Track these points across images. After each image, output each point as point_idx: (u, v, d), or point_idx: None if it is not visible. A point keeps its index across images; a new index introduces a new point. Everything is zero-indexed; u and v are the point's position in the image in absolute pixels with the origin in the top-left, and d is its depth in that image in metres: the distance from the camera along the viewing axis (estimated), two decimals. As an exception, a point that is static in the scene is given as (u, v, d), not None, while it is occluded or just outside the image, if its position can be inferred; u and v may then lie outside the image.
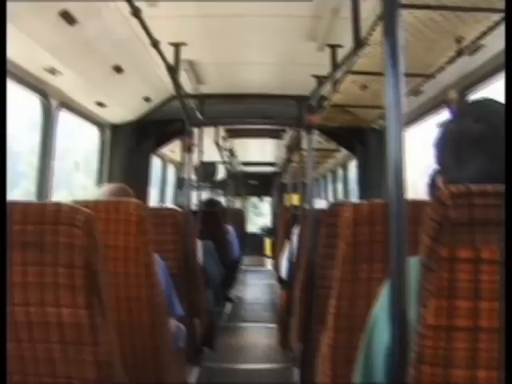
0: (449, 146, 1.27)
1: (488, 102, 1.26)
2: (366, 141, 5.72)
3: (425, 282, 1.04)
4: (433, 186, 2.51)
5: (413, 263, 1.10)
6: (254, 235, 15.15)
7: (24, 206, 1.58)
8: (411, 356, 1.06)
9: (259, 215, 18.42)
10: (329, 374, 2.08)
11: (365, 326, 1.38)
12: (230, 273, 7.83)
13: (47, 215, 1.56)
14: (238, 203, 14.51)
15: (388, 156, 1.12)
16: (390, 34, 1.13)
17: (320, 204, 3.64)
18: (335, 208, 2.72)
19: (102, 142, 5.36)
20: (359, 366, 1.37)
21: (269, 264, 13.91)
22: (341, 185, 8.50)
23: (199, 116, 5.17)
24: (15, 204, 1.59)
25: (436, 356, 1.02)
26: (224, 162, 8.05)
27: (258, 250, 14.69)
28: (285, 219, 6.26)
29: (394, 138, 1.11)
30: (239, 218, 10.82)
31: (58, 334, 1.63)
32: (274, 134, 7.49)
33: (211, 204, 7.09)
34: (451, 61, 3.16)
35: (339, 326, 2.04)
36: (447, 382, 1.02)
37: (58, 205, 1.58)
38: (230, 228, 7.88)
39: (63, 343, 1.64)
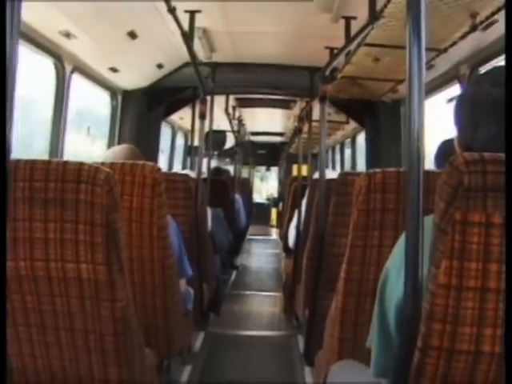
0: (466, 108, 1.30)
1: (507, 69, 1.29)
2: (376, 114, 5.72)
3: (438, 244, 1.08)
4: (440, 157, 2.55)
5: (426, 221, 1.15)
6: (260, 205, 15.21)
7: (46, 165, 1.62)
8: (423, 313, 1.11)
9: (265, 184, 18.44)
10: (337, 336, 2.13)
11: (375, 291, 1.43)
12: (237, 241, 7.89)
13: (69, 173, 1.60)
14: (245, 172, 14.56)
15: (408, 126, 1.15)
16: (414, 4, 1.16)
17: (329, 174, 3.66)
18: (346, 177, 2.76)
19: (113, 108, 5.39)
20: (375, 324, 1.42)
21: (274, 233, 13.97)
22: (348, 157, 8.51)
23: (211, 84, 5.18)
24: (37, 162, 1.63)
25: (445, 314, 1.07)
26: (233, 131, 8.04)
27: (264, 220, 14.74)
28: (292, 189, 6.28)
29: (415, 108, 1.15)
30: (246, 187, 10.87)
31: (76, 288, 1.68)
32: (285, 105, 7.47)
33: (218, 172, 7.12)
34: (464, 36, 3.16)
35: (349, 290, 2.09)
36: (455, 338, 1.08)
37: (79, 163, 1.62)
38: (238, 197, 7.92)
39: (81, 298, 1.70)
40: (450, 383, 1.12)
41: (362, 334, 1.92)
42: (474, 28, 3.01)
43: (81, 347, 1.77)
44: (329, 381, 2.00)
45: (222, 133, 9.15)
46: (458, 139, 1.33)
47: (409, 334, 1.14)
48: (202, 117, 4.17)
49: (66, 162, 1.63)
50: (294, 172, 5.50)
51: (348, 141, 8.40)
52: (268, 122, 10.18)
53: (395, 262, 1.34)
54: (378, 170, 2.00)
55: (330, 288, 2.65)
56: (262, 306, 5.97)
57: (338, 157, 9.73)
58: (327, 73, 3.60)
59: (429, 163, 2.44)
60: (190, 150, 7.57)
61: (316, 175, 3.90)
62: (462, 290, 1.06)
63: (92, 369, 1.80)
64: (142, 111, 5.49)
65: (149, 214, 2.41)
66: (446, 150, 2.50)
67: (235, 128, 8.49)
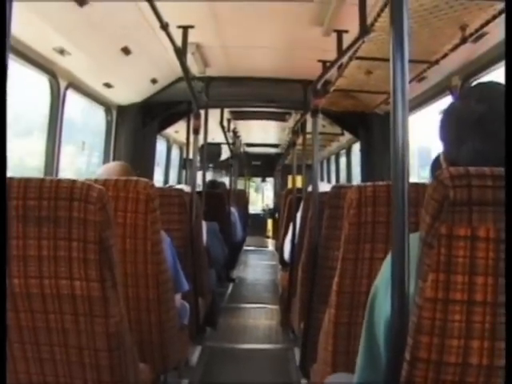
0: (451, 123, 1.32)
1: (492, 85, 1.30)
2: (369, 125, 5.76)
3: (424, 258, 1.10)
4: (435, 169, 2.57)
5: (412, 239, 1.16)
6: (256, 216, 15.20)
7: (39, 183, 1.63)
8: (410, 327, 1.12)
9: (260, 195, 18.44)
10: (330, 349, 2.14)
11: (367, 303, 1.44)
12: (233, 254, 7.88)
13: (62, 191, 1.61)
14: (240, 184, 14.57)
15: (393, 139, 1.17)
16: (397, 20, 1.18)
17: (323, 187, 3.68)
18: (339, 190, 2.77)
19: (108, 123, 5.41)
20: (362, 338, 1.43)
21: (270, 244, 13.97)
22: (344, 167, 8.52)
23: (205, 98, 5.20)
24: (30, 180, 1.65)
25: (433, 326, 1.09)
26: (228, 144, 8.07)
27: (260, 231, 14.72)
28: (287, 202, 6.29)
29: (399, 121, 1.16)
30: (242, 199, 10.88)
31: (70, 305, 1.69)
32: (279, 117, 7.50)
33: (214, 185, 7.13)
34: (455, 48, 3.20)
35: (341, 303, 2.10)
36: (443, 350, 1.09)
37: (72, 181, 1.63)
38: (234, 210, 7.92)
39: (75, 314, 1.71)
40: None
41: (355, 346, 1.93)
42: (464, 40, 3.05)
43: (75, 363, 1.78)
44: None
45: (217, 145, 9.17)
46: (443, 154, 1.35)
47: (397, 346, 1.15)
48: (196, 131, 4.19)
49: (59, 180, 1.64)
50: (290, 183, 5.51)
51: (344, 151, 8.42)
52: (263, 133, 10.21)
53: (384, 279, 1.35)
54: (368, 183, 2.01)
55: (324, 301, 2.66)
56: (259, 319, 5.96)
57: (333, 167, 9.75)
58: (319, 86, 3.63)
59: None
60: (184, 164, 7.58)
61: (310, 188, 3.91)
62: (448, 303, 1.08)
63: None
64: (136, 126, 5.51)
65: (143, 230, 2.43)
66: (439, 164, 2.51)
67: (230, 140, 8.51)
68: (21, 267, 1.67)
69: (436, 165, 2.61)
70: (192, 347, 4.35)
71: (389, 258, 1.35)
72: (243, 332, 5.39)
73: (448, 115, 1.35)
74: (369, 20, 2.95)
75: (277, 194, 14.63)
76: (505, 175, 1.05)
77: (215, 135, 8.00)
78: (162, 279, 2.53)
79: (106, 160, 5.30)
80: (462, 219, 1.06)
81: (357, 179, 7.09)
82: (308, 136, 5.64)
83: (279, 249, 6.94)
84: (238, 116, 7.69)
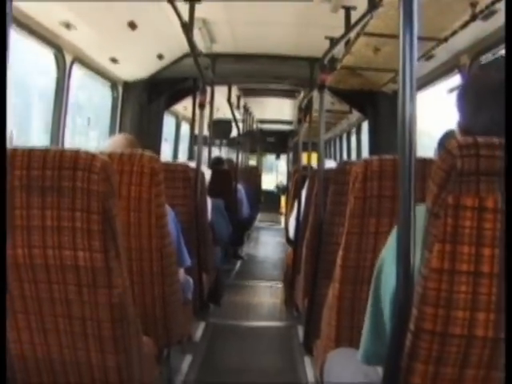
0: (470, 92, 1.31)
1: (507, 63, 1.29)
2: (377, 104, 5.73)
3: (430, 228, 1.09)
4: (442, 146, 2.56)
5: (418, 210, 1.15)
6: (270, 192, 15.24)
7: (43, 152, 1.63)
8: (415, 298, 1.12)
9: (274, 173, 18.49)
10: (334, 324, 2.14)
11: (372, 278, 1.44)
12: (240, 232, 7.88)
13: (66, 161, 1.61)
14: (253, 160, 14.62)
15: (401, 114, 1.16)
16: None
17: (331, 165, 3.66)
18: (344, 166, 2.77)
19: (114, 99, 5.40)
20: (368, 311, 1.43)
21: (283, 221, 14.06)
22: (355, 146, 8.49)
23: (211, 75, 5.17)
24: (34, 150, 1.64)
25: (438, 297, 1.08)
26: (235, 120, 8.05)
27: (274, 208, 14.75)
28: (295, 179, 6.28)
29: (407, 95, 1.15)
30: (255, 176, 10.88)
31: (73, 276, 1.69)
32: (288, 94, 7.50)
33: (219, 162, 7.11)
34: (464, 25, 3.16)
35: (346, 278, 2.10)
36: (448, 322, 1.09)
37: (76, 151, 1.63)
38: (240, 187, 7.91)
39: (78, 285, 1.70)
40: (443, 367, 1.13)
41: (359, 321, 1.93)
42: (474, 17, 3.01)
43: (78, 334, 1.78)
44: (326, 368, 2.01)
45: (228, 122, 9.13)
46: (459, 125, 1.34)
47: (401, 317, 1.15)
48: (202, 106, 4.17)
49: (63, 150, 1.63)
50: (304, 160, 5.49)
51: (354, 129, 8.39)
52: (276, 110, 10.22)
53: (390, 251, 1.35)
54: (374, 157, 2.00)
55: (328, 277, 2.66)
56: (264, 297, 5.97)
57: (344, 146, 9.71)
58: (326, 61, 3.60)
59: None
60: (194, 140, 7.58)
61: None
62: (454, 274, 1.07)
63: (90, 356, 1.81)
64: (142, 102, 5.50)
65: (147, 203, 2.42)
66: (447, 140, 2.51)
67: (240, 117, 8.48)
68: (24, 237, 1.66)
69: (444, 142, 2.60)
70: (196, 323, 4.37)
71: (395, 231, 1.35)
72: (246, 309, 5.40)
73: (467, 85, 1.34)
74: None
75: (289, 172, 14.64)
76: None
77: (226, 111, 7.98)
78: (166, 253, 2.53)
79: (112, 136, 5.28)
80: (470, 189, 1.05)
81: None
82: (315, 114, 5.63)
83: (286, 226, 6.94)
84: (248, 93, 7.69)
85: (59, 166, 1.61)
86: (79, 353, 1.82)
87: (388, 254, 1.36)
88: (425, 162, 1.25)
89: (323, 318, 2.35)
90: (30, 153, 1.63)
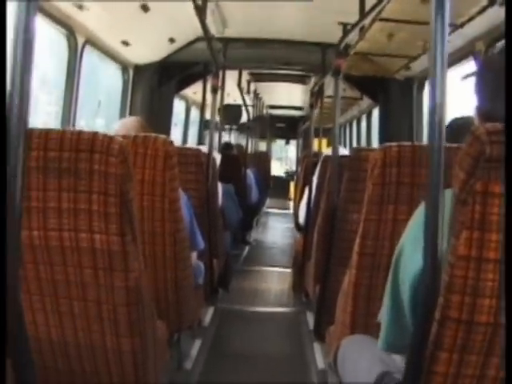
0: (488, 75, 1.29)
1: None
2: (389, 91, 5.70)
3: (458, 215, 1.07)
4: (448, 134, 2.54)
5: (446, 194, 1.13)
6: (279, 178, 15.27)
7: (60, 134, 1.61)
8: (441, 285, 1.11)
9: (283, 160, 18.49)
10: (350, 310, 2.13)
11: (389, 266, 1.43)
12: (249, 217, 7.88)
13: (83, 143, 1.59)
14: (263, 146, 14.63)
15: (431, 102, 1.14)
16: None
17: (341, 151, 3.64)
18: (359, 153, 2.75)
19: (125, 82, 5.38)
20: (387, 297, 1.42)
21: (292, 207, 14.09)
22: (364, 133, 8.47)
23: (222, 59, 5.15)
24: (51, 132, 1.63)
25: (465, 285, 1.07)
26: (245, 105, 8.01)
27: (283, 194, 14.77)
28: (305, 165, 6.27)
29: (438, 84, 1.13)
30: (264, 161, 10.87)
31: (89, 258, 1.68)
32: (299, 80, 7.47)
33: (228, 147, 7.10)
34: (482, 11, 3.12)
35: (363, 265, 2.09)
36: (474, 310, 1.07)
37: (93, 133, 1.61)
38: (250, 172, 7.90)
39: (94, 268, 1.70)
40: (468, 355, 1.12)
41: (375, 308, 1.92)
42: (492, 3, 2.97)
43: (94, 317, 1.78)
44: (340, 355, 2.00)
45: (238, 107, 9.10)
46: (477, 109, 1.32)
47: (427, 305, 1.13)
48: (215, 91, 4.15)
49: (80, 132, 1.62)
50: (315, 146, 5.48)
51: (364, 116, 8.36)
52: (287, 95, 10.18)
53: (410, 237, 1.34)
54: (393, 143, 1.98)
55: (342, 263, 2.65)
56: (271, 283, 5.98)
57: (354, 132, 9.68)
58: (341, 47, 3.57)
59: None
60: (205, 125, 7.57)
61: (326, 152, 3.88)
62: (481, 262, 1.06)
63: (105, 339, 1.81)
64: (153, 86, 5.48)
65: (161, 187, 2.41)
66: (454, 128, 2.49)
67: (249, 102, 8.45)
68: (40, 219, 1.66)
69: (450, 129, 2.57)
70: (205, 308, 4.38)
71: (415, 216, 1.33)
72: (255, 295, 5.41)
73: (486, 68, 1.32)
74: None
75: (298, 158, 14.67)
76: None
77: (236, 97, 7.96)
78: (179, 237, 2.53)
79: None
80: (498, 176, 1.03)
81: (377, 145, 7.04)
82: (327, 100, 5.60)
83: (295, 212, 6.94)
84: (258, 78, 7.66)
85: (76, 147, 1.60)
86: (94, 336, 1.81)
87: (407, 240, 1.35)
88: (449, 149, 1.23)
89: (338, 305, 2.35)
90: (46, 134, 1.62)
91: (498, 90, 1.23)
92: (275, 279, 6.14)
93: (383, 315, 1.45)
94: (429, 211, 1.13)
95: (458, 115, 2.57)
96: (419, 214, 1.27)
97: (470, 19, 3.28)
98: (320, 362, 3.52)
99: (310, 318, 4.38)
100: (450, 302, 1.09)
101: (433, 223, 1.11)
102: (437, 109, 1.13)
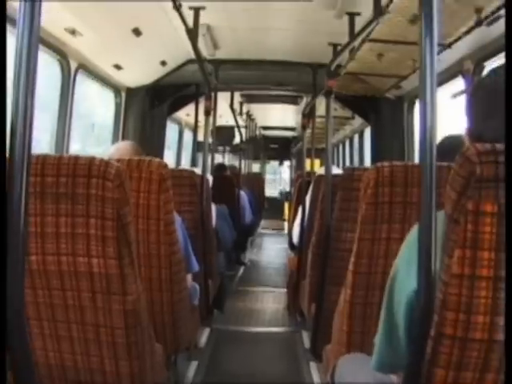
0: (479, 97, 1.30)
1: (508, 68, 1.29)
2: (380, 110, 5.74)
3: (450, 234, 1.10)
4: (440, 152, 2.58)
5: (438, 216, 1.15)
6: (273, 199, 15.28)
7: (57, 159, 1.63)
8: (436, 304, 1.12)
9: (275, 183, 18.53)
10: (345, 329, 2.14)
11: (384, 284, 1.44)
12: (243, 238, 7.89)
13: (80, 168, 1.61)
14: (257, 167, 14.66)
15: (422, 118, 1.16)
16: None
17: (334, 171, 3.67)
18: (352, 172, 2.78)
19: (117, 105, 5.41)
20: (382, 318, 1.43)
21: (287, 228, 14.09)
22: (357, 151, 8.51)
23: (214, 81, 5.19)
24: (48, 157, 1.64)
25: (459, 303, 1.09)
26: (238, 127, 8.05)
27: (277, 214, 14.78)
28: (298, 185, 6.29)
29: (428, 104, 1.16)
30: (258, 182, 10.90)
31: (87, 282, 1.70)
32: (291, 100, 7.51)
33: (221, 168, 7.12)
34: (469, 31, 3.17)
35: (357, 283, 2.10)
36: (468, 327, 1.09)
37: (90, 158, 1.63)
38: (243, 193, 7.93)
39: (92, 292, 1.71)
40: (464, 372, 1.14)
41: (371, 326, 1.94)
42: (479, 23, 3.01)
43: (92, 341, 1.79)
44: (337, 374, 2.01)
45: (231, 128, 9.14)
46: (468, 130, 1.34)
47: (422, 323, 1.15)
48: (208, 113, 4.18)
49: (77, 157, 1.64)
50: (307, 167, 5.52)
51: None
52: (280, 116, 10.24)
53: (404, 257, 1.35)
54: (385, 163, 2.01)
55: (337, 282, 2.67)
56: (267, 303, 5.98)
57: (347, 152, 9.72)
58: (332, 68, 3.61)
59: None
60: (197, 146, 7.61)
61: (319, 171, 3.90)
62: (474, 279, 1.08)
63: (103, 362, 1.82)
64: (145, 108, 5.52)
65: (155, 210, 2.43)
66: (446, 146, 2.52)
67: (242, 123, 8.49)
68: (38, 244, 1.67)
69: (441, 148, 2.61)
70: (201, 329, 4.37)
71: (408, 238, 1.35)
72: (250, 315, 5.40)
73: (477, 89, 1.34)
74: (383, 1, 2.93)
75: (292, 178, 14.71)
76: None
77: (228, 118, 8.00)
78: (175, 260, 2.54)
79: (114, 142, 5.29)
80: (489, 195, 1.06)
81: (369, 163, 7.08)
82: (319, 120, 5.63)
83: (289, 232, 6.95)
84: (250, 99, 7.71)
85: (73, 173, 1.62)
86: (92, 359, 1.82)
87: (402, 261, 1.36)
88: (440, 168, 1.25)
89: (334, 324, 2.36)
90: (44, 159, 1.63)
91: (488, 112, 1.25)
92: (270, 299, 6.14)
93: (378, 335, 1.46)
94: (422, 230, 1.15)
95: (448, 133, 2.61)
96: (413, 235, 1.29)
97: (458, 39, 3.33)
98: (317, 381, 3.52)
99: (306, 338, 4.38)
100: (444, 320, 1.11)
101: (426, 242, 1.14)
102: (427, 129, 1.15)
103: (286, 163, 16.85)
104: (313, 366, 3.78)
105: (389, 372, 1.57)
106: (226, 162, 11.14)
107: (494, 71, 1.33)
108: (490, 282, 1.07)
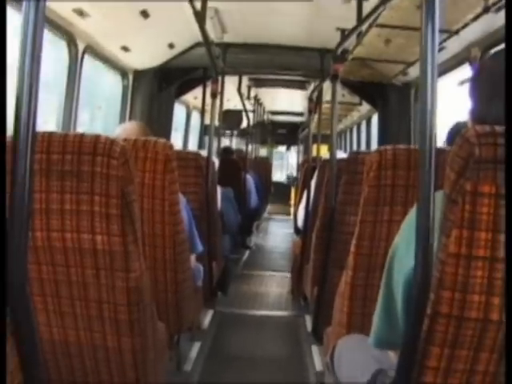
0: (483, 81, 1.31)
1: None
2: (387, 96, 5.73)
3: (448, 214, 1.11)
4: (451, 137, 2.58)
5: (437, 196, 1.17)
6: (280, 184, 15.30)
7: (63, 137, 1.65)
8: (432, 282, 1.14)
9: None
10: (346, 310, 2.16)
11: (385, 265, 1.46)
12: (248, 221, 7.91)
13: (85, 146, 1.63)
14: (264, 152, 14.67)
15: (421, 106, 1.18)
16: None
17: (340, 156, 3.68)
18: (356, 156, 2.79)
19: (124, 87, 5.41)
20: (380, 297, 1.45)
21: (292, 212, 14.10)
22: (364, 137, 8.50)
23: (221, 64, 5.18)
24: (54, 134, 1.66)
25: (455, 282, 1.11)
26: (245, 111, 8.05)
27: (284, 199, 14.80)
28: (304, 170, 6.30)
29: (428, 88, 1.17)
30: (265, 167, 10.93)
31: (91, 259, 1.72)
32: (299, 85, 7.50)
33: (227, 152, 7.13)
34: (477, 17, 3.16)
35: (359, 265, 2.12)
36: (464, 305, 1.11)
37: (95, 136, 1.65)
38: (249, 177, 7.93)
39: (96, 268, 1.73)
40: (459, 350, 1.15)
41: (371, 308, 1.95)
42: (486, 10, 3.01)
43: (95, 317, 1.81)
44: (336, 354, 2.03)
45: (238, 112, 9.14)
46: (471, 114, 1.35)
47: (419, 301, 1.17)
48: (214, 96, 4.18)
49: (82, 135, 1.66)
50: (313, 152, 5.51)
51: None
52: (288, 101, 10.23)
53: (404, 236, 1.37)
54: (388, 147, 2.02)
55: (339, 266, 2.69)
56: (271, 287, 6.00)
57: (354, 138, 9.71)
58: (339, 52, 3.60)
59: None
60: (205, 130, 7.61)
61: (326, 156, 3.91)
62: (471, 259, 1.09)
63: (106, 339, 1.84)
64: (152, 91, 5.51)
65: (160, 190, 2.45)
66: (457, 131, 2.53)
67: (250, 108, 8.48)
68: (43, 220, 1.69)
69: (453, 132, 2.62)
70: (204, 310, 4.40)
71: (408, 217, 1.37)
72: (254, 298, 5.43)
73: (481, 72, 1.35)
74: None
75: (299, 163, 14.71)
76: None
77: (237, 102, 8.00)
78: (179, 240, 2.56)
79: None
80: (487, 177, 1.07)
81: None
82: (326, 106, 5.63)
83: (294, 217, 6.96)
84: (258, 83, 7.71)
85: (79, 150, 1.63)
86: (95, 336, 1.85)
87: (401, 241, 1.38)
88: (438, 151, 1.26)
89: (335, 305, 2.38)
90: (49, 137, 1.65)
91: (491, 94, 1.25)
92: (274, 283, 6.15)
93: (377, 313, 1.48)
94: (420, 210, 1.17)
95: (455, 120, 2.62)
96: (412, 215, 1.30)
97: (465, 26, 3.32)
98: (318, 364, 3.55)
99: (309, 322, 4.40)
100: (440, 298, 1.12)
101: (424, 222, 1.15)
102: (427, 113, 1.16)
103: (294, 148, 16.83)
104: (314, 349, 3.81)
105: (386, 348, 1.59)
106: (234, 146, 11.13)
107: (497, 53, 1.34)
108: (486, 262, 1.09)
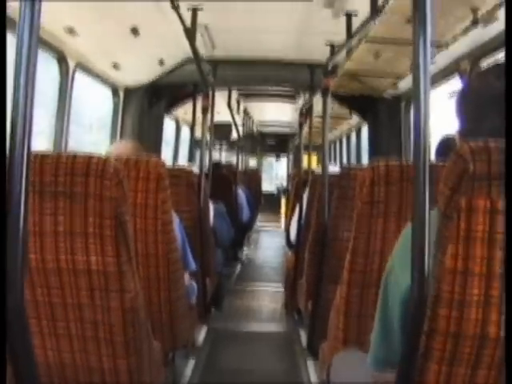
0: (470, 100, 1.32)
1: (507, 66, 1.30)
2: (377, 109, 5.74)
3: (443, 230, 1.12)
4: (439, 151, 2.59)
5: (432, 214, 1.17)
6: (270, 194, 15.30)
7: (55, 158, 1.64)
8: (429, 299, 1.14)
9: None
10: (341, 327, 2.16)
11: (379, 282, 1.46)
12: (240, 234, 7.91)
13: (78, 167, 1.62)
14: (253, 162, 14.70)
15: (414, 120, 1.18)
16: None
17: (331, 168, 3.68)
18: (348, 171, 2.79)
19: (115, 104, 5.41)
20: (377, 315, 1.45)
21: (283, 224, 14.10)
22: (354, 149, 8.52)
23: (212, 80, 5.20)
24: (47, 155, 1.66)
25: (451, 298, 1.11)
26: (235, 124, 8.07)
27: (274, 210, 14.79)
28: (295, 183, 6.30)
29: (421, 102, 1.17)
30: (255, 178, 10.94)
31: (86, 280, 1.71)
32: (287, 97, 7.53)
33: (218, 167, 7.14)
34: (465, 31, 3.18)
35: (353, 281, 2.12)
36: (461, 323, 1.11)
37: (88, 157, 1.64)
38: (240, 191, 7.94)
39: (91, 290, 1.72)
40: (456, 367, 1.15)
41: (366, 324, 1.96)
42: (475, 23, 3.02)
43: (90, 338, 1.80)
44: (333, 370, 2.03)
45: (228, 125, 9.17)
46: (460, 132, 1.35)
47: (415, 318, 1.17)
48: (205, 111, 4.19)
49: (75, 156, 1.65)
50: (304, 163, 5.51)
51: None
52: (277, 113, 10.29)
53: (399, 254, 1.37)
54: (381, 162, 2.02)
55: (333, 281, 2.68)
56: (264, 301, 5.98)
57: (344, 149, 9.74)
58: (330, 67, 3.62)
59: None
60: (194, 143, 7.62)
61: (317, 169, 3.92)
62: (467, 275, 1.10)
63: (101, 360, 1.83)
64: (143, 107, 5.52)
65: (153, 209, 2.44)
66: (445, 145, 2.55)
67: (240, 121, 8.50)
68: (37, 243, 1.68)
69: (441, 147, 2.64)
70: (199, 327, 4.38)
71: (403, 235, 1.37)
72: (247, 313, 5.41)
73: (466, 93, 1.36)
74: (380, 1, 2.94)
75: (289, 174, 14.73)
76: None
77: (225, 116, 8.03)
78: (172, 258, 2.55)
79: (112, 141, 5.30)
80: (482, 192, 1.08)
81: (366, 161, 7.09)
82: (316, 119, 5.64)
83: (286, 230, 6.96)
84: (247, 97, 7.72)
85: (71, 171, 1.63)
86: (91, 357, 1.83)
87: (397, 257, 1.38)
88: (431, 166, 1.27)
89: (330, 321, 2.37)
90: (42, 158, 1.65)
91: (479, 115, 1.26)
92: (267, 297, 6.14)
93: (374, 332, 1.48)
94: (415, 227, 1.17)
95: (445, 132, 2.62)
96: (407, 232, 1.30)
97: (454, 38, 3.34)
98: (314, 379, 3.53)
99: (303, 336, 4.39)
100: (437, 315, 1.13)
101: (419, 238, 1.15)
102: (421, 128, 1.17)
103: (283, 159, 16.92)
104: (310, 363, 3.80)
105: (385, 368, 1.58)
106: (223, 158, 11.15)
107: (482, 73, 1.35)
108: (482, 278, 1.09)
